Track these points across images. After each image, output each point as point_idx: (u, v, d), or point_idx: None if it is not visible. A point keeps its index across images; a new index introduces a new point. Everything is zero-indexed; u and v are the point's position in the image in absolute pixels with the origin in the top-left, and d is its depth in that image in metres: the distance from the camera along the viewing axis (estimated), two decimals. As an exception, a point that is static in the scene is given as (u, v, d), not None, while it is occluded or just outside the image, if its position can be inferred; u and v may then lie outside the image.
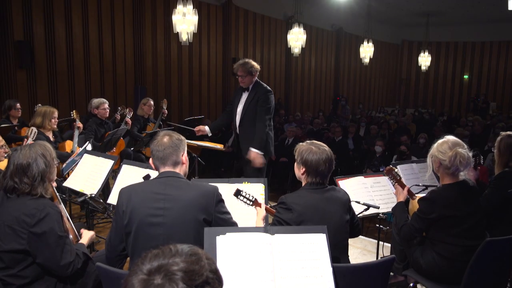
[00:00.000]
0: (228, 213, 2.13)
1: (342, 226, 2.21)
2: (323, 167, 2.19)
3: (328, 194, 2.22)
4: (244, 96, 4.21)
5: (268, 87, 4.19)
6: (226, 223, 2.07)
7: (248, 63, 4.09)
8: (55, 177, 2.24)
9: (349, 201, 2.31)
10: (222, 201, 2.10)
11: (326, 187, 2.25)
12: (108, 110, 5.34)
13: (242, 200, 2.41)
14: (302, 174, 2.25)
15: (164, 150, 2.06)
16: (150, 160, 2.15)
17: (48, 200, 2.11)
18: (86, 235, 2.40)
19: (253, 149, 4.02)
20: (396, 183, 2.80)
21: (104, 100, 5.37)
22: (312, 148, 2.23)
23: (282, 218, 2.16)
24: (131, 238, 1.99)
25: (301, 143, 2.33)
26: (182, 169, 2.12)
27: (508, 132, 2.98)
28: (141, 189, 2.05)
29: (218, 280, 0.94)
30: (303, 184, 2.30)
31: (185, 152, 2.14)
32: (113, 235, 2.08)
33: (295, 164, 2.32)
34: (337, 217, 2.19)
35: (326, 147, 2.27)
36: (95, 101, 5.36)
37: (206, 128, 4.41)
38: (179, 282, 0.86)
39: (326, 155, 2.21)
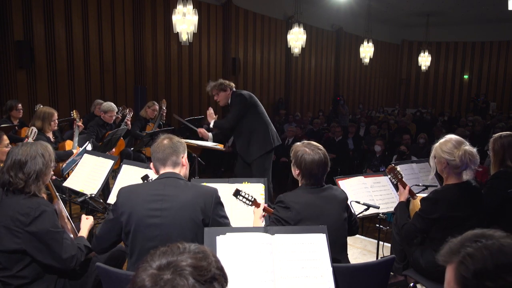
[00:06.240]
0: (225, 217, 2.10)
1: (340, 224, 2.22)
2: (316, 171, 2.19)
3: (326, 193, 2.24)
4: None
5: (240, 92, 4.39)
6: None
7: (219, 82, 4.36)
8: (49, 179, 2.23)
9: (346, 199, 2.32)
10: (221, 204, 2.07)
11: (323, 186, 2.26)
12: (114, 118, 5.34)
13: (241, 200, 2.41)
14: (298, 175, 2.28)
15: (164, 151, 2.06)
16: (151, 164, 2.15)
17: (42, 199, 2.10)
18: (84, 226, 2.35)
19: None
20: (399, 183, 2.80)
21: (115, 107, 5.30)
22: (306, 150, 2.22)
23: (281, 216, 2.17)
24: (130, 238, 1.98)
25: (297, 143, 2.32)
26: (182, 171, 2.11)
27: (501, 133, 3.00)
28: (141, 189, 2.04)
29: (224, 277, 0.96)
30: (299, 184, 2.31)
31: (185, 154, 2.14)
32: (103, 231, 2.05)
33: (291, 164, 2.32)
34: (335, 215, 2.20)
35: (321, 149, 2.25)
36: (105, 105, 5.26)
37: (210, 135, 4.56)
38: (189, 277, 0.88)
39: (319, 158, 2.19)
